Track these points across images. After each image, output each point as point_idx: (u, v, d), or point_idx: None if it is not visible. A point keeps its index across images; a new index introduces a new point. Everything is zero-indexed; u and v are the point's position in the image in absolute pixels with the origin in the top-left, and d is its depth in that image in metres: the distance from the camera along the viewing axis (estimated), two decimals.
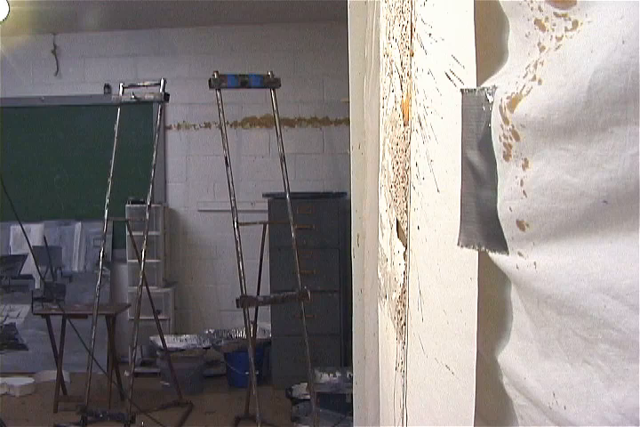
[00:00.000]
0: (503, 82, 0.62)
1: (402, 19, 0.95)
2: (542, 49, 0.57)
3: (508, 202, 0.61)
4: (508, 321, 0.69)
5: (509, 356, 0.68)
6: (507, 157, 0.61)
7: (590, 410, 0.53)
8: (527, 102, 0.56)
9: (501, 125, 0.60)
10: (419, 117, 0.84)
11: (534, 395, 0.62)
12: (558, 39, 0.54)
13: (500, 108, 0.60)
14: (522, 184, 0.59)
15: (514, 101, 0.58)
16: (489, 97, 0.63)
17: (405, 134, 0.95)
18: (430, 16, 0.80)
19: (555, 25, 0.55)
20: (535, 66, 0.56)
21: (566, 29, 0.53)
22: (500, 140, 0.61)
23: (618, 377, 0.49)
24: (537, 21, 0.57)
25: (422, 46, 0.83)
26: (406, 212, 0.94)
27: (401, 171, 0.98)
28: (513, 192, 0.60)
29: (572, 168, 0.52)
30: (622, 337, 0.48)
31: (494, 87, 0.62)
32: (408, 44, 0.91)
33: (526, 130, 0.57)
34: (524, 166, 0.59)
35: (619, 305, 0.48)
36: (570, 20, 0.53)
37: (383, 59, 1.11)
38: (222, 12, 4.83)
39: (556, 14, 0.54)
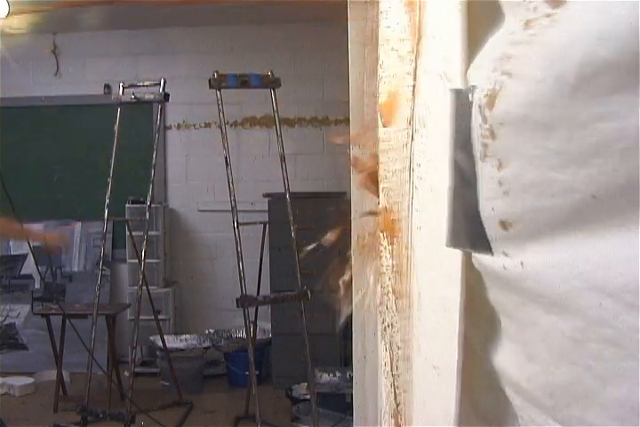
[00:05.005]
0: (477, 77, 0.62)
1: None
2: (514, 43, 0.57)
3: (490, 202, 0.61)
4: (499, 323, 0.69)
5: (502, 358, 0.68)
6: (483, 156, 0.61)
7: (590, 409, 0.53)
8: (504, 99, 0.56)
9: (480, 125, 0.60)
10: (419, 117, 0.84)
11: (531, 396, 0.62)
12: (533, 34, 0.54)
13: (480, 107, 0.60)
14: (500, 184, 0.59)
15: (491, 99, 0.58)
16: (469, 96, 0.63)
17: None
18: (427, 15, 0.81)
19: (535, 18, 0.54)
20: (505, 59, 0.56)
21: (544, 26, 0.53)
22: (479, 140, 0.61)
23: (614, 375, 0.49)
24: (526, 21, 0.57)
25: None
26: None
27: None
28: (493, 192, 0.60)
29: (557, 165, 0.52)
30: (618, 335, 0.48)
31: (474, 87, 0.62)
32: None
33: (505, 128, 0.57)
34: (499, 166, 0.58)
35: (614, 303, 0.48)
36: (549, 16, 0.52)
37: None
38: (222, 12, 4.83)
39: (538, 9, 0.54)
